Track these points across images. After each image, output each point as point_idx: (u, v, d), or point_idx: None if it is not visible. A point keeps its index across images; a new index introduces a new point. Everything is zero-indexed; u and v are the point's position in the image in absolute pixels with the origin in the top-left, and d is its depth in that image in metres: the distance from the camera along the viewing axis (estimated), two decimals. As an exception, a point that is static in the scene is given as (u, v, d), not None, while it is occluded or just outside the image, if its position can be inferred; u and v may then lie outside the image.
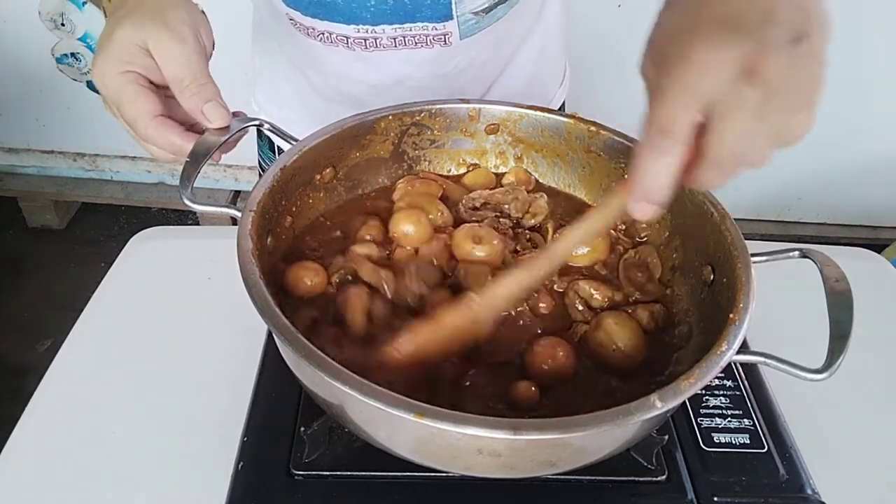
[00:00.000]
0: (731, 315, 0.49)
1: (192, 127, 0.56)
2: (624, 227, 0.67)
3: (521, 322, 0.58)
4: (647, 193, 0.41)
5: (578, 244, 0.50)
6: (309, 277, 0.58)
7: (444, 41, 0.75)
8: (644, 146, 0.40)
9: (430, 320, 0.52)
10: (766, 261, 0.56)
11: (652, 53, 0.42)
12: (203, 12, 0.58)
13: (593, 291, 0.60)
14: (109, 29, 0.53)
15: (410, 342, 0.51)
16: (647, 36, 0.42)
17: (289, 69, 0.86)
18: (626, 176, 0.46)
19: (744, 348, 0.47)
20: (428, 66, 0.77)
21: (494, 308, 0.54)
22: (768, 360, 0.47)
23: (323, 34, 0.74)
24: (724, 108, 0.37)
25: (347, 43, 0.74)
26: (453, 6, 0.71)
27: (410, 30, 0.73)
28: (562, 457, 0.48)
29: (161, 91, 0.55)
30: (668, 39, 0.40)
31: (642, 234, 0.67)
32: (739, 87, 0.36)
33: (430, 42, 0.75)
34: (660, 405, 0.43)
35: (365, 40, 0.74)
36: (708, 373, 0.45)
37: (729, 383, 0.67)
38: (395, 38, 0.74)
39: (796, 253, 0.57)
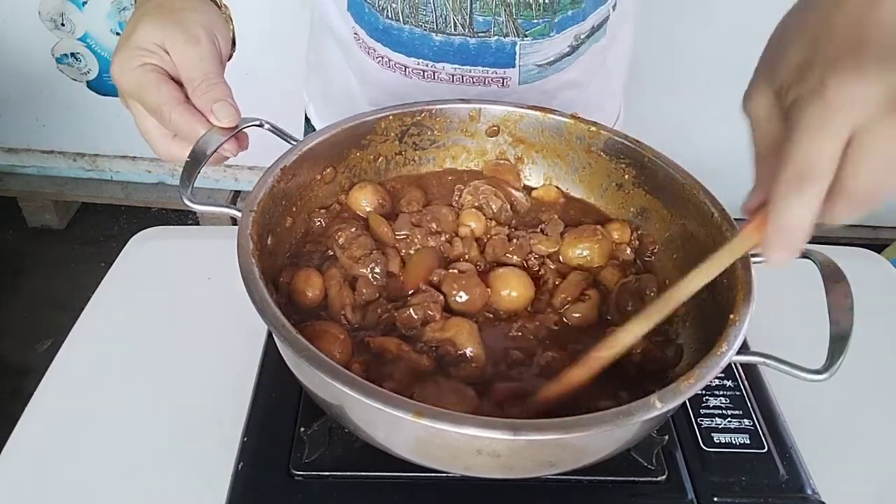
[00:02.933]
0: (731, 316, 0.49)
1: None
2: (637, 242, 0.67)
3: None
4: (788, 241, 0.39)
5: (697, 288, 0.48)
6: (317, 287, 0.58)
7: (503, 84, 0.76)
8: (781, 189, 0.38)
9: (558, 381, 0.51)
10: (766, 261, 0.56)
11: (768, 88, 0.40)
12: (228, 16, 0.60)
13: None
14: (131, 27, 0.55)
15: (544, 400, 0.50)
16: (757, 73, 0.41)
17: (342, 71, 0.86)
18: (747, 215, 0.45)
19: (744, 349, 0.47)
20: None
21: (610, 359, 0.51)
22: (768, 361, 0.47)
23: (382, 58, 0.76)
24: (865, 142, 0.36)
25: (405, 72, 0.76)
26: (517, 57, 0.73)
27: (470, 71, 0.75)
28: (561, 457, 0.48)
29: (180, 86, 0.55)
30: (794, 71, 0.38)
31: (650, 251, 0.66)
32: (884, 120, 0.35)
33: (489, 83, 0.76)
34: (660, 405, 0.43)
35: (423, 72, 0.76)
36: (708, 373, 0.45)
37: (729, 383, 0.67)
38: (453, 76, 0.75)
39: None
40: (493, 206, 0.68)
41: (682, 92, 1.89)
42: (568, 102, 0.83)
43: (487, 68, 0.75)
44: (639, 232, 0.67)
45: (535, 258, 0.65)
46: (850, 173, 0.37)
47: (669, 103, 1.89)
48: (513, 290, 0.60)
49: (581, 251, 0.64)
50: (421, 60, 0.75)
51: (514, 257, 0.64)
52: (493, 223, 0.67)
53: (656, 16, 1.72)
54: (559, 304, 0.60)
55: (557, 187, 0.72)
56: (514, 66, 0.74)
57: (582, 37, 0.76)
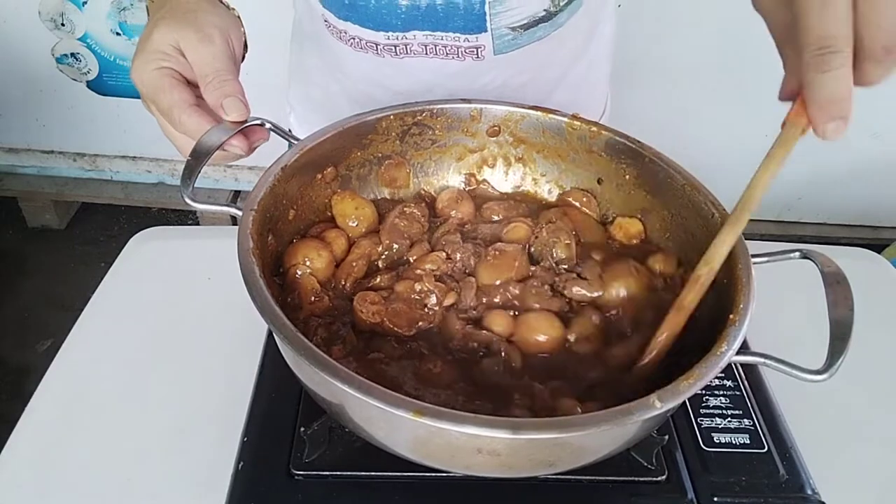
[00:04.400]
0: (731, 316, 0.49)
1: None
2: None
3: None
4: (834, 113, 0.40)
5: (768, 186, 0.49)
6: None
7: (477, 54, 0.74)
8: (809, 68, 0.39)
9: (676, 308, 0.52)
10: (767, 262, 0.56)
11: None
12: (238, 17, 0.61)
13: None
14: (148, 31, 0.56)
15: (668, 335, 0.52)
16: None
17: (320, 73, 0.86)
18: (792, 105, 0.45)
19: (744, 349, 0.47)
20: (458, 79, 0.77)
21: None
22: (768, 361, 0.47)
23: (353, 39, 0.75)
24: None
25: (377, 49, 0.75)
26: (488, 18, 0.71)
27: (442, 38, 0.73)
28: (561, 456, 0.48)
29: (193, 89, 0.57)
30: None
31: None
32: None
33: (462, 54, 0.74)
34: (659, 405, 0.42)
35: (395, 47, 0.74)
36: (708, 373, 0.45)
37: (729, 383, 0.67)
38: (425, 45, 0.74)
39: (797, 254, 0.57)
40: (559, 252, 0.63)
41: (677, 91, 1.89)
42: (551, 87, 0.83)
43: (459, 34, 0.72)
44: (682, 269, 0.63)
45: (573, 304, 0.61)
46: (868, 31, 0.37)
47: (661, 101, 1.90)
48: (542, 333, 0.57)
49: (619, 290, 0.60)
50: (391, 33, 0.73)
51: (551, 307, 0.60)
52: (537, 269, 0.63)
53: (649, 11, 1.72)
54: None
55: (640, 219, 0.68)
56: (486, 31, 0.72)
57: (559, 2, 0.73)
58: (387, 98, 0.79)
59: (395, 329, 0.56)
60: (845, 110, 0.39)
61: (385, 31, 0.73)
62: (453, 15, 0.71)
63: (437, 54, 0.75)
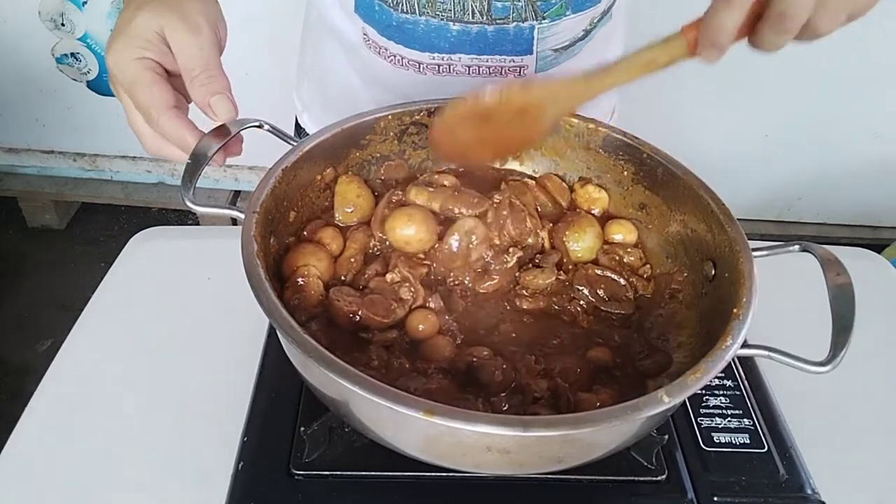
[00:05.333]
0: (734, 310, 0.49)
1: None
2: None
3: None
4: (714, 39, 0.45)
5: (637, 70, 0.50)
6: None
7: (520, 73, 0.75)
8: (714, 4, 0.44)
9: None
10: (767, 255, 0.57)
11: None
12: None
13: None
14: (129, 15, 0.54)
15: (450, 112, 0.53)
16: None
17: (345, 74, 0.84)
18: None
19: (745, 343, 0.47)
20: None
21: (558, 113, 0.54)
22: (772, 354, 0.47)
23: (395, 56, 0.75)
24: None
25: (419, 68, 0.75)
26: (535, 42, 0.72)
27: (487, 61, 0.74)
28: (570, 452, 0.48)
29: (172, 80, 0.55)
30: None
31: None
32: None
33: (505, 73, 0.75)
34: (667, 400, 0.43)
35: (438, 66, 0.74)
36: (714, 367, 0.45)
37: (729, 383, 0.67)
38: (469, 67, 0.74)
39: (797, 247, 0.57)
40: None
41: (681, 89, 1.89)
42: None
43: (504, 56, 0.73)
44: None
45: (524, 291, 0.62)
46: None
47: (661, 101, 1.89)
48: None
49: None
50: (436, 54, 0.73)
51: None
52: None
53: (659, 13, 1.72)
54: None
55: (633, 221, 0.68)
56: (531, 53, 0.73)
57: (595, 21, 0.75)
58: None
59: (373, 317, 0.56)
60: (724, 42, 0.45)
61: (431, 52, 0.73)
62: (502, 40, 0.72)
63: (479, 74, 0.75)
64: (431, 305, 0.59)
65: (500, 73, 0.75)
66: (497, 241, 0.62)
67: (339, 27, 0.80)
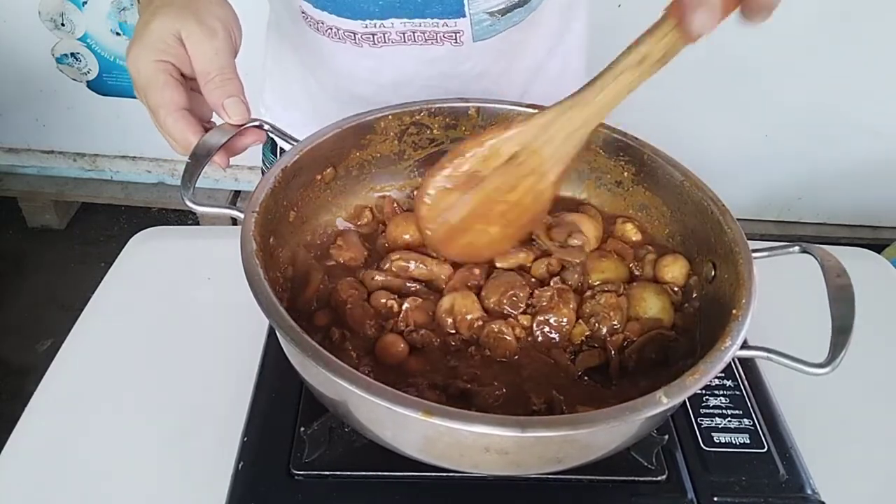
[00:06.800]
0: (734, 311, 0.49)
1: (209, 125, 0.57)
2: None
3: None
4: (702, 2, 0.42)
5: (630, 74, 0.47)
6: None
7: (456, 39, 0.74)
8: None
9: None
10: (767, 256, 0.57)
11: None
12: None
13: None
14: (146, 18, 0.55)
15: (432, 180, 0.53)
16: None
17: (299, 70, 0.86)
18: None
19: (745, 344, 0.47)
20: (438, 65, 0.76)
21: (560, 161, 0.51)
22: (771, 355, 0.47)
23: (331, 29, 0.74)
24: None
25: (355, 39, 0.74)
26: (466, 3, 0.71)
27: (420, 25, 0.72)
28: (569, 453, 0.48)
29: (188, 83, 0.56)
30: None
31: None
32: None
33: (441, 39, 0.74)
34: (666, 401, 0.43)
35: (373, 35, 0.73)
36: (713, 368, 0.45)
37: (729, 383, 0.67)
38: (403, 34, 0.73)
39: (796, 248, 0.57)
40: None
41: (681, 89, 1.89)
42: (529, 77, 0.83)
43: (437, 20, 0.72)
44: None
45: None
46: None
47: (661, 101, 1.89)
48: None
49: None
50: (369, 21, 0.72)
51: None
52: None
53: (648, 6, 1.72)
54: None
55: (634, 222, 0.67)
56: (464, 16, 0.72)
57: None
58: (369, 92, 0.79)
59: (351, 324, 0.57)
60: (713, 18, 0.43)
61: (362, 19, 0.72)
62: (432, 1, 0.70)
63: (415, 41, 0.74)
64: None
65: (436, 40, 0.74)
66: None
67: (282, 17, 0.81)
